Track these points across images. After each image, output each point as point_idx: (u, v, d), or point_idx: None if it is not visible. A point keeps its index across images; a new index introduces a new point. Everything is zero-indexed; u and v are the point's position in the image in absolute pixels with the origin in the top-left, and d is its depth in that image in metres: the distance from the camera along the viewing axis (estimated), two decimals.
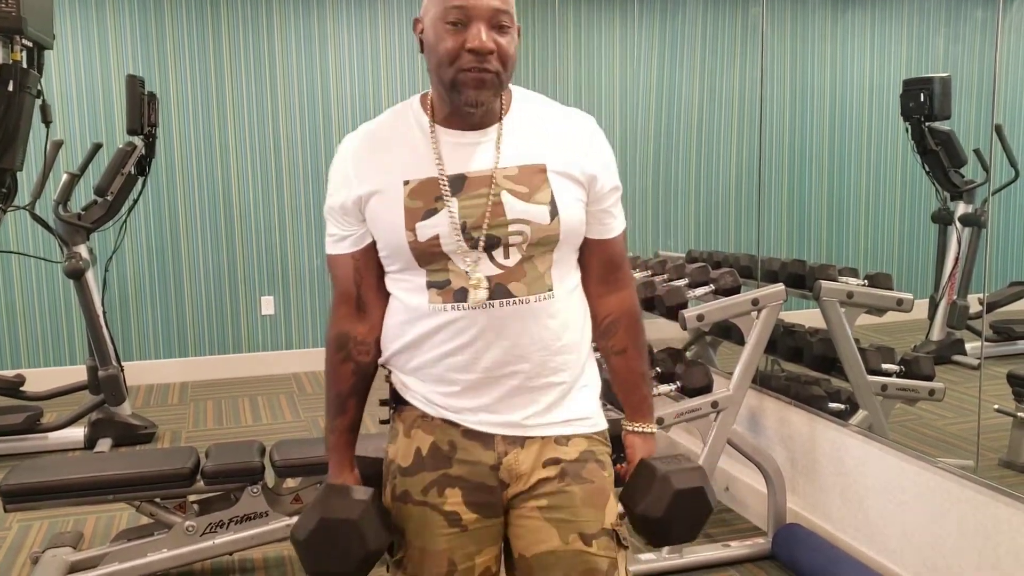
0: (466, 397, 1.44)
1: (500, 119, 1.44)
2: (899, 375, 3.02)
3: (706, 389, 2.96)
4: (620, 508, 1.52)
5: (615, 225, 1.52)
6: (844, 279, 3.09)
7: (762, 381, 3.34)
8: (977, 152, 3.42)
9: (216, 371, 5.65)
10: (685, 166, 4.81)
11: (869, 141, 4.02)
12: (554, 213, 1.41)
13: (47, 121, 3.34)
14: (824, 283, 3.04)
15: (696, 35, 4.77)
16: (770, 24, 3.55)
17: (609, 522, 1.47)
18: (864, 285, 3.07)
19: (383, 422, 1.57)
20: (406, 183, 1.41)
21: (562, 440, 1.46)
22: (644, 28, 5.23)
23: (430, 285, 1.42)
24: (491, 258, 1.40)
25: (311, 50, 5.60)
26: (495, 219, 1.39)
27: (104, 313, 4.36)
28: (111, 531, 3.29)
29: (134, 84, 4.25)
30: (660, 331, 3.99)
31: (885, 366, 3.03)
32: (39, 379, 4.91)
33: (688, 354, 3.72)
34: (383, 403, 1.56)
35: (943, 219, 3.71)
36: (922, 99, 3.39)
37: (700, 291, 3.12)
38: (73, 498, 2.80)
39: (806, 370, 3.27)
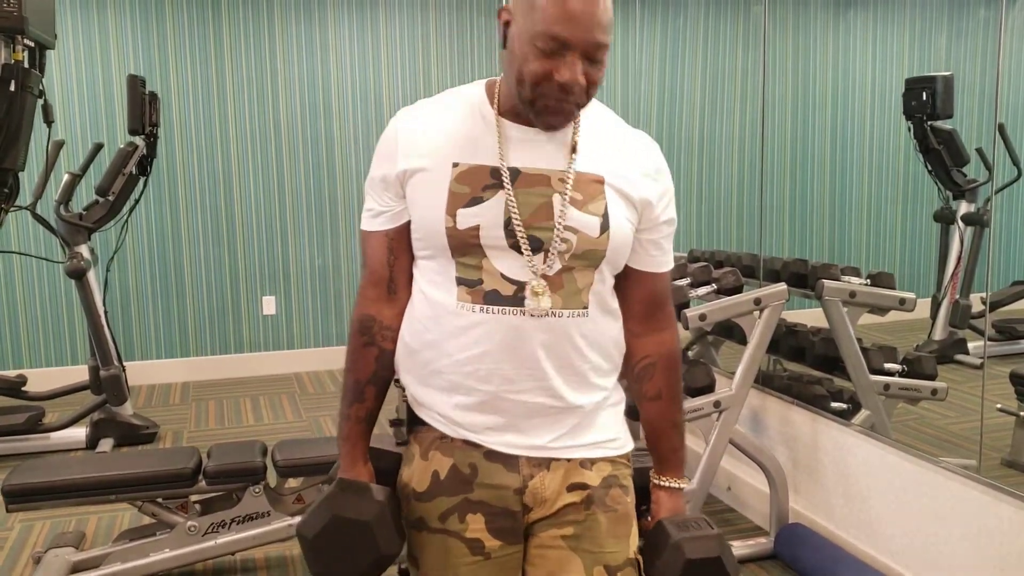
0: (487, 412, 1.35)
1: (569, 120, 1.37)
2: (901, 374, 3.02)
3: (708, 389, 2.96)
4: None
5: (664, 260, 1.43)
6: (846, 278, 3.08)
7: (764, 381, 3.33)
8: (980, 151, 3.42)
9: (218, 371, 5.65)
10: (687, 165, 4.81)
11: (871, 140, 4.02)
12: (605, 227, 1.32)
13: (49, 121, 3.34)
14: (826, 282, 3.03)
15: (698, 34, 4.77)
16: (772, 23, 3.55)
17: (632, 551, 1.41)
18: (866, 284, 3.07)
19: (400, 444, 1.46)
20: (455, 166, 1.32)
21: (587, 464, 1.39)
22: (646, 28, 5.23)
23: (460, 282, 1.33)
24: (529, 263, 1.31)
25: (312, 50, 5.60)
26: (542, 221, 1.30)
27: (106, 313, 4.36)
28: (113, 531, 3.29)
29: (135, 84, 4.25)
30: None
31: (887, 365, 3.03)
32: (41, 379, 4.91)
33: (690, 354, 3.72)
34: (393, 423, 1.48)
35: (945, 218, 3.71)
36: (924, 98, 3.39)
37: (702, 290, 3.11)
38: (75, 498, 2.80)
39: (808, 370, 3.27)
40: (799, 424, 3.15)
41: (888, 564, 2.75)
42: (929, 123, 3.47)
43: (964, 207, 3.64)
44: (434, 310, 1.35)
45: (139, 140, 4.39)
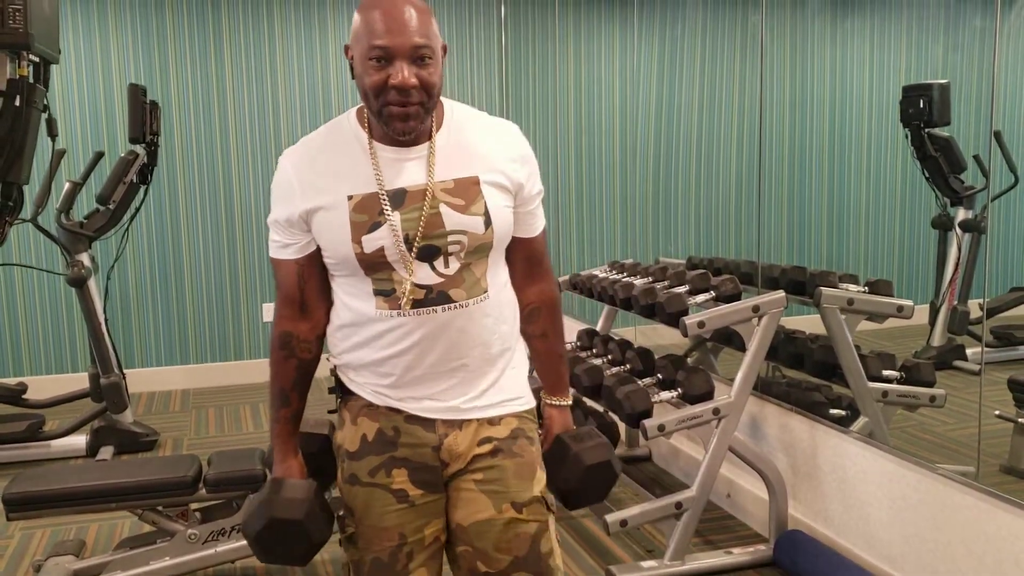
0: (410, 388, 1.57)
1: (432, 135, 1.55)
2: (900, 381, 3.03)
3: (707, 396, 2.96)
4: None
5: (537, 225, 1.68)
6: (844, 286, 3.09)
7: (763, 388, 3.34)
8: (976, 158, 3.42)
9: (218, 378, 5.65)
10: (685, 172, 4.82)
11: (869, 147, 4.03)
12: (488, 223, 1.54)
13: (53, 135, 3.35)
14: (824, 290, 3.04)
15: (696, 42, 4.78)
16: (769, 31, 3.57)
17: (538, 490, 1.64)
18: (864, 292, 3.08)
19: (331, 412, 1.69)
20: (350, 198, 1.51)
21: (495, 420, 1.62)
22: (644, 35, 5.25)
23: (377, 292, 1.54)
24: (432, 267, 1.52)
25: (312, 58, 5.62)
26: (435, 230, 1.51)
27: (106, 321, 4.37)
28: (113, 539, 3.29)
29: (136, 93, 4.27)
30: (661, 337, 3.99)
31: (886, 372, 3.03)
32: (41, 387, 4.92)
33: (689, 360, 3.72)
34: (332, 391, 1.69)
35: (943, 225, 3.71)
36: (921, 105, 3.40)
37: (701, 298, 3.12)
38: (75, 506, 2.80)
39: (807, 376, 3.28)
40: (798, 431, 3.16)
41: (887, 571, 2.75)
42: (926, 130, 3.48)
43: (962, 214, 3.64)
44: (357, 317, 1.56)
45: (140, 149, 4.41)
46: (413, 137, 1.52)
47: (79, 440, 4.32)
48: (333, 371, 1.66)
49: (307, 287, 1.59)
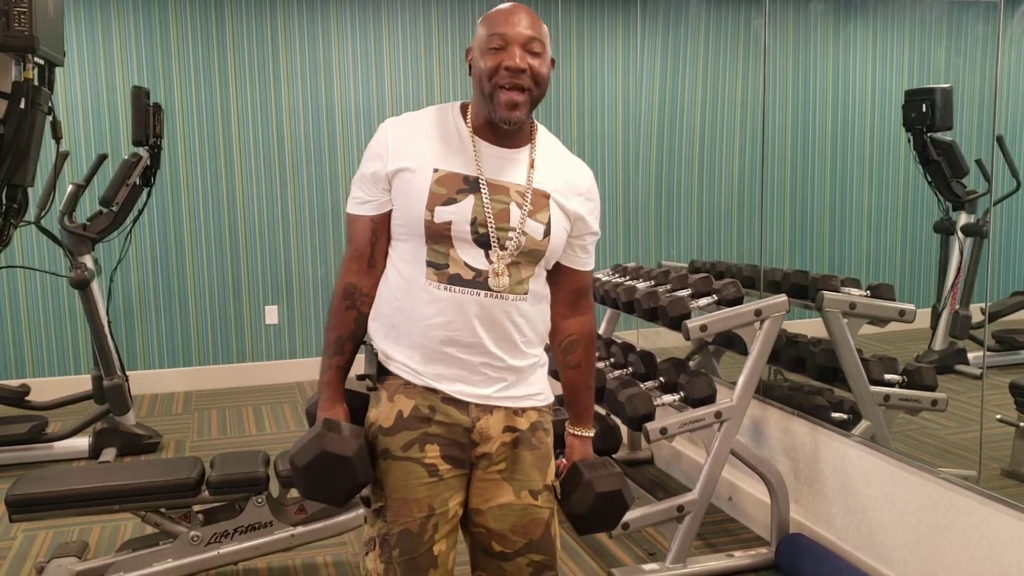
0: (444, 366, 1.68)
1: (527, 143, 1.71)
2: (901, 385, 3.03)
3: (709, 399, 2.97)
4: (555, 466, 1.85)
5: (587, 261, 1.83)
6: (846, 290, 3.10)
7: (765, 391, 3.35)
8: (979, 162, 3.43)
9: (220, 380, 5.66)
10: (688, 176, 4.83)
11: (871, 151, 4.03)
12: (547, 233, 1.69)
13: (57, 137, 3.36)
14: (827, 294, 3.05)
15: (699, 45, 4.79)
16: (772, 35, 3.57)
17: (550, 479, 1.79)
18: (866, 296, 3.08)
19: (370, 389, 1.77)
20: (435, 171, 1.65)
21: (519, 412, 1.74)
22: (647, 38, 5.26)
23: (429, 264, 1.65)
24: (486, 254, 1.65)
25: (316, 62, 5.63)
26: (500, 223, 1.65)
27: (109, 323, 4.38)
28: (116, 541, 3.30)
29: (139, 96, 4.28)
30: (663, 341, 4.00)
31: (887, 376, 3.04)
32: (44, 389, 4.93)
33: (691, 364, 3.73)
34: (360, 378, 1.78)
35: (945, 229, 3.72)
36: (924, 110, 3.40)
37: (703, 301, 3.13)
38: (78, 508, 2.81)
39: (809, 380, 3.28)
40: (800, 434, 3.16)
41: (888, 574, 2.75)
42: (929, 135, 3.48)
43: (964, 218, 3.65)
44: (407, 284, 1.68)
45: (143, 151, 4.42)
46: (515, 128, 1.66)
47: (82, 442, 4.33)
48: (372, 353, 1.73)
49: (377, 244, 1.72)
